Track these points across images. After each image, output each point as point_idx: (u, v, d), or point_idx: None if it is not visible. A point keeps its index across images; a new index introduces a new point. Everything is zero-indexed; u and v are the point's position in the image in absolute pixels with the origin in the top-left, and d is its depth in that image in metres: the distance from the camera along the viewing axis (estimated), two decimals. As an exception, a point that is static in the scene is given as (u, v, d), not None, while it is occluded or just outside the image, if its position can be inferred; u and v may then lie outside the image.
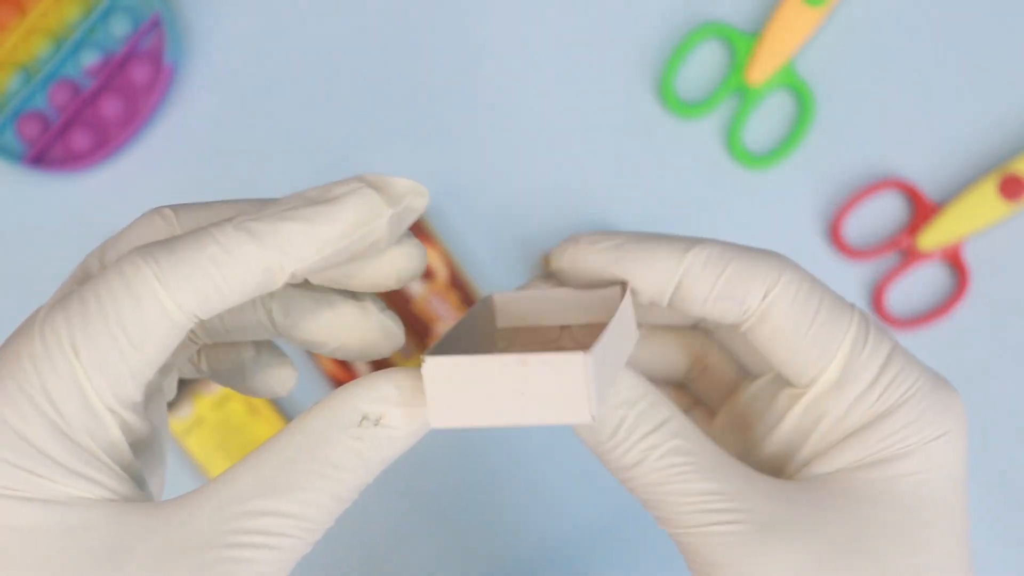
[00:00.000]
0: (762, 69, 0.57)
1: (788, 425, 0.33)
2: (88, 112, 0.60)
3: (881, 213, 0.58)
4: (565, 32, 0.60)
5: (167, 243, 0.28)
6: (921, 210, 0.57)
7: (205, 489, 0.28)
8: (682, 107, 0.59)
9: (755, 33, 0.58)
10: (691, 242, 0.32)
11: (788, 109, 0.59)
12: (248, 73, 0.61)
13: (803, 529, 0.30)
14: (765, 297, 0.31)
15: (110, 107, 0.60)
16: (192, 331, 0.34)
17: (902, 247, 0.57)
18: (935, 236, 0.57)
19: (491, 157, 0.60)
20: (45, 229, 0.61)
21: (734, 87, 0.58)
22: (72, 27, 0.60)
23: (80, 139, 0.60)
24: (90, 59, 0.60)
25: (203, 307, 0.28)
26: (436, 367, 0.28)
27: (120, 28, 0.60)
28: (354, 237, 0.29)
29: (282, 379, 0.36)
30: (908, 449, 0.31)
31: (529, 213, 0.60)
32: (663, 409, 0.31)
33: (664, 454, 0.30)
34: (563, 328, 0.36)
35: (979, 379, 0.57)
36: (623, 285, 0.33)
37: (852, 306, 0.32)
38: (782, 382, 0.34)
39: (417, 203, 0.30)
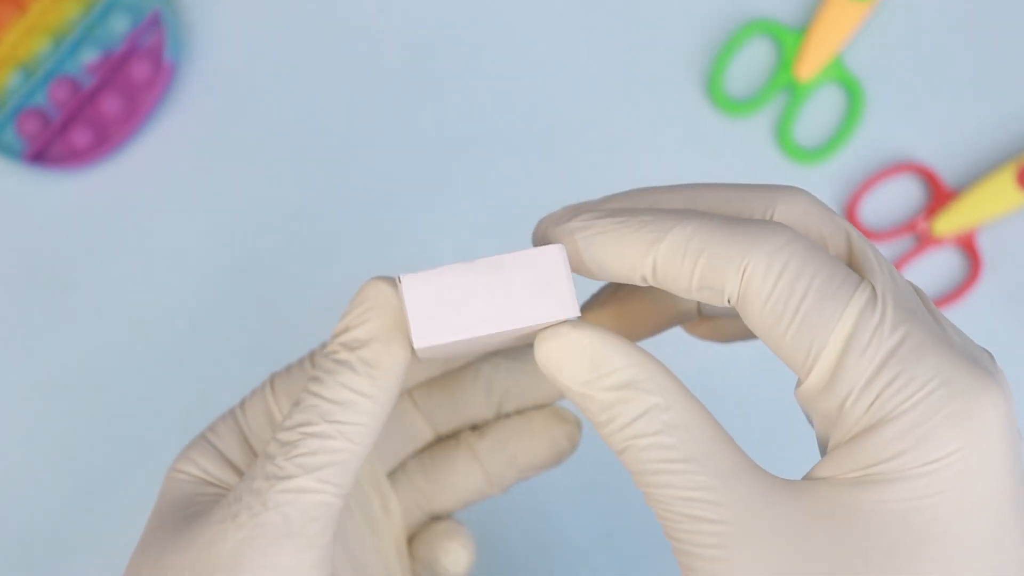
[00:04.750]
0: (810, 65, 0.57)
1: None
2: (88, 109, 0.60)
3: (898, 197, 0.58)
4: (611, 35, 0.60)
5: None
6: (938, 195, 0.57)
7: None
8: (732, 106, 0.58)
9: (802, 29, 0.58)
10: (664, 230, 0.29)
11: (838, 103, 0.58)
12: (248, 71, 0.61)
13: (783, 543, 0.27)
14: (740, 287, 0.28)
15: (110, 104, 0.59)
16: None
17: (917, 231, 0.57)
18: (950, 222, 0.56)
19: (531, 161, 0.59)
20: (45, 227, 0.60)
21: (783, 83, 0.58)
22: (72, 24, 0.60)
23: (80, 136, 0.59)
24: (90, 56, 0.60)
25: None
26: (414, 283, 0.28)
27: (120, 25, 0.60)
28: None
29: (452, 553, 0.38)
30: (901, 472, 0.27)
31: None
32: (650, 396, 0.29)
33: (647, 447, 0.28)
34: None
35: (990, 367, 0.56)
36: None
37: (862, 282, 0.28)
38: None
39: None
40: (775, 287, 0.27)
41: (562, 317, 0.28)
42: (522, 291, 0.28)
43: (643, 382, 0.29)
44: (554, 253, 0.28)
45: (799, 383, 0.29)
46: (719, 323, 0.35)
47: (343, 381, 0.31)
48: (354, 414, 0.31)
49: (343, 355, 0.31)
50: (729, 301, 0.29)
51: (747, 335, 0.34)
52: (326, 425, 0.30)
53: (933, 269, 0.57)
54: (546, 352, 0.29)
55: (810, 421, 0.30)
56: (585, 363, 0.28)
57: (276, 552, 0.30)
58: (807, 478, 0.29)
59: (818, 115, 0.58)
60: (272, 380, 0.36)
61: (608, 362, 0.29)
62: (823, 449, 0.30)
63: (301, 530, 0.30)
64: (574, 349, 0.28)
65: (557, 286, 0.28)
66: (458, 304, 0.28)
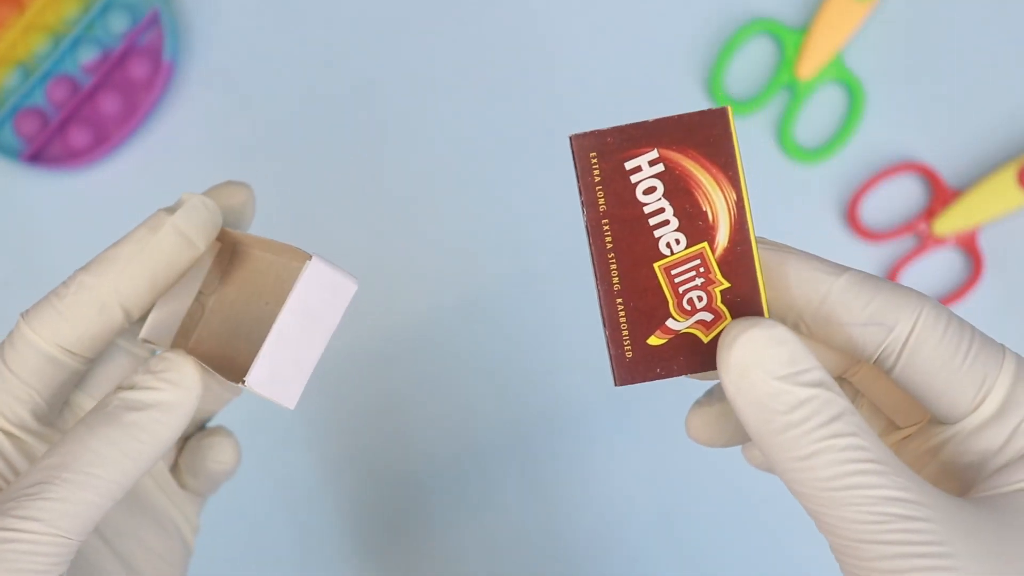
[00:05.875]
0: (811, 64, 0.57)
1: (943, 459, 0.32)
2: (86, 109, 0.60)
3: (899, 196, 0.57)
4: (613, 32, 0.59)
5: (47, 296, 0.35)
6: (939, 195, 0.57)
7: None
8: (732, 105, 0.58)
9: (803, 28, 0.58)
10: (841, 269, 0.31)
11: (838, 103, 0.58)
12: (246, 69, 0.61)
13: (988, 550, 0.29)
14: (914, 327, 0.31)
15: (108, 104, 0.59)
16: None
17: (918, 231, 0.57)
18: (952, 222, 0.56)
19: (531, 161, 0.59)
20: (43, 227, 0.60)
21: (784, 83, 0.58)
22: (70, 23, 0.60)
23: (78, 136, 0.59)
24: (88, 55, 0.60)
25: (58, 335, 0.34)
26: (256, 377, 0.32)
27: (118, 24, 0.60)
28: (146, 249, 0.34)
29: (219, 454, 0.40)
30: None
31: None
32: (842, 399, 0.29)
33: (846, 447, 0.28)
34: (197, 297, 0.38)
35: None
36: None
37: (1001, 344, 0.32)
38: (926, 425, 0.33)
39: (198, 204, 0.35)
40: (946, 329, 0.31)
41: (352, 292, 0.33)
42: (320, 305, 0.32)
43: (832, 384, 0.29)
44: (314, 268, 0.32)
45: (946, 422, 0.32)
46: (719, 409, 0.35)
47: (112, 438, 0.31)
48: (108, 470, 0.31)
49: (114, 409, 0.32)
50: (880, 348, 0.31)
51: (731, 439, 0.35)
52: (74, 474, 0.31)
53: (934, 269, 0.57)
54: (746, 343, 0.29)
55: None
56: (784, 357, 0.29)
57: None
58: (974, 494, 0.31)
59: (818, 114, 0.58)
60: None
61: (805, 359, 0.29)
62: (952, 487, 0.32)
63: (25, 568, 0.30)
64: (775, 342, 0.29)
65: (334, 282, 0.32)
66: (293, 356, 0.32)
